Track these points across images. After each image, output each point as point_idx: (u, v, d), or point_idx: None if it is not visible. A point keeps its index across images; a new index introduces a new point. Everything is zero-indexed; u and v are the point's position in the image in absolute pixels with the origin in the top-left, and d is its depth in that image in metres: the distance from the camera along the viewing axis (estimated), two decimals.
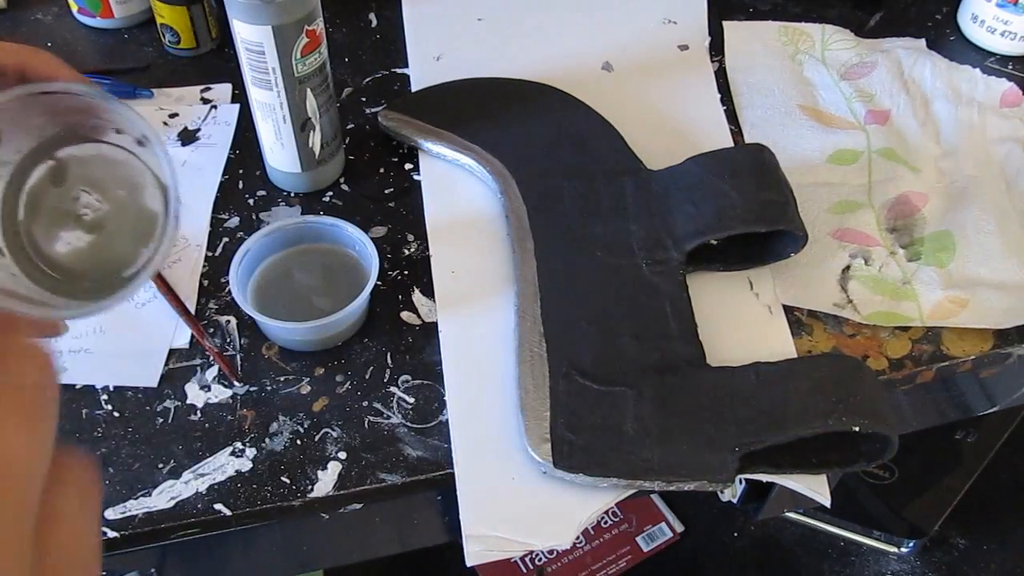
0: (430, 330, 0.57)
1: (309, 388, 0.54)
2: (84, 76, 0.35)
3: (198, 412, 0.53)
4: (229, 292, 0.58)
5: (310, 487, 0.50)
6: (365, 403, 0.53)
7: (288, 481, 0.50)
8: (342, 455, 0.51)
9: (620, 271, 0.57)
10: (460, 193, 0.64)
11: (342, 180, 0.66)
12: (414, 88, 0.72)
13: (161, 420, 0.53)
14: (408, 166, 0.67)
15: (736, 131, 0.70)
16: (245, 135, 0.68)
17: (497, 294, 0.58)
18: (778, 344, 0.57)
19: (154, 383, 0.54)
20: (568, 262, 0.58)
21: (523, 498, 0.49)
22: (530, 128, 0.66)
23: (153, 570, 0.56)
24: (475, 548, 0.48)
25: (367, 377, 0.55)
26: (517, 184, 0.62)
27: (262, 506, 0.49)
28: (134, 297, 0.35)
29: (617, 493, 0.50)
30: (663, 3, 0.79)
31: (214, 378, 0.54)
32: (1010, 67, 0.76)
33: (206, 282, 0.59)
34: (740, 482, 0.51)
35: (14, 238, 0.33)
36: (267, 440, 0.52)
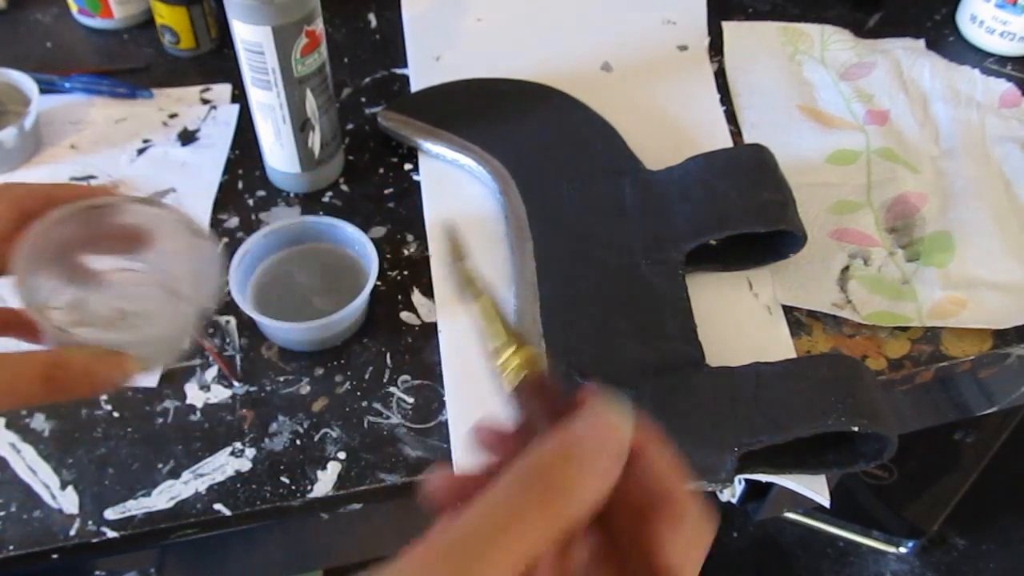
0: (430, 330, 0.57)
1: (309, 388, 0.54)
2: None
3: (198, 412, 0.53)
4: (229, 292, 0.58)
5: (310, 487, 0.50)
6: (365, 403, 0.53)
7: (288, 481, 0.50)
8: (341, 455, 0.51)
9: (620, 271, 0.57)
10: (459, 193, 0.64)
11: (342, 180, 0.66)
12: (414, 88, 0.72)
13: (160, 420, 0.53)
14: (408, 166, 0.67)
15: (735, 131, 0.70)
16: (245, 135, 0.68)
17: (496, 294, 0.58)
18: (778, 344, 0.57)
19: (154, 383, 0.54)
20: (567, 262, 0.58)
21: None
22: (530, 128, 0.66)
23: (153, 570, 0.56)
24: None
25: (366, 377, 0.55)
26: (517, 184, 0.62)
27: (262, 506, 0.49)
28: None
29: None
30: (663, 3, 0.79)
31: (214, 378, 0.54)
32: (1009, 68, 0.76)
33: None
34: (740, 482, 0.51)
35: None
36: (267, 440, 0.52)
